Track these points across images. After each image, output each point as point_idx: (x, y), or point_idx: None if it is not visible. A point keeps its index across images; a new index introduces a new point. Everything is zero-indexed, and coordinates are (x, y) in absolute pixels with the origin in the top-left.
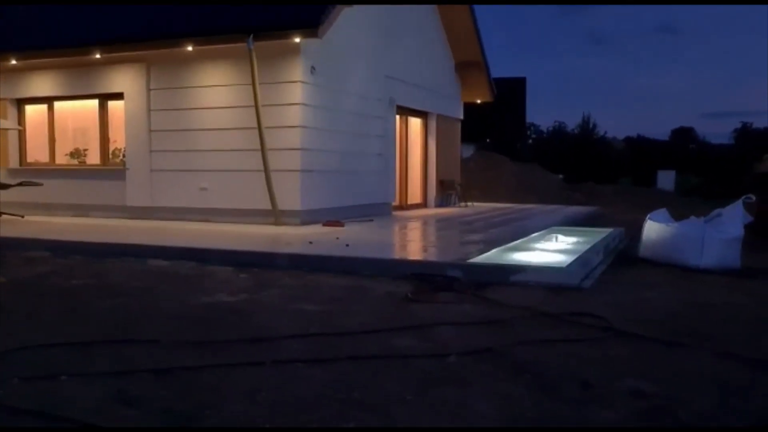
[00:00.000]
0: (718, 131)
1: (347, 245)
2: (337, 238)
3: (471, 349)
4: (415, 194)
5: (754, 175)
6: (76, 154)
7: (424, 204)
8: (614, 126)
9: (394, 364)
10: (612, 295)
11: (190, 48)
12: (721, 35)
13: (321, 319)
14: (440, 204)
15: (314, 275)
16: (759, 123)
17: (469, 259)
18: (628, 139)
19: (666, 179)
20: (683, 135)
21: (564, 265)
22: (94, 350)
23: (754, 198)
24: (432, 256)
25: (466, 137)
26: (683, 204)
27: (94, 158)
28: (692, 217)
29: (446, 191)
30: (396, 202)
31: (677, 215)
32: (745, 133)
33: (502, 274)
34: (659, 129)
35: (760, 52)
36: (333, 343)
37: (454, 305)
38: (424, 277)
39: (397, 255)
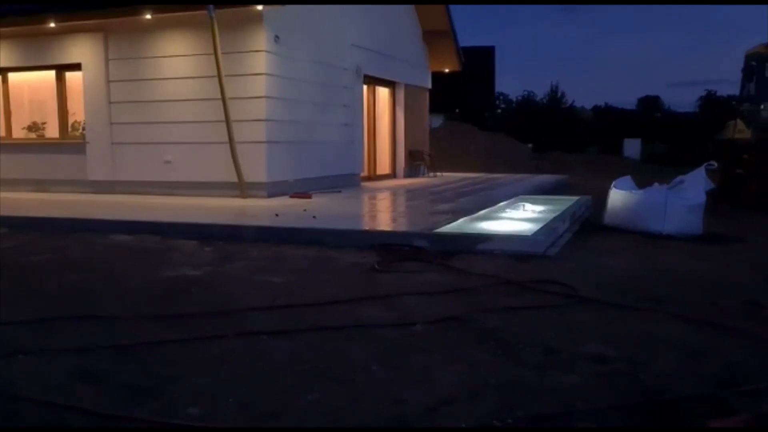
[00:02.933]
0: (683, 100)
1: (314, 217)
2: (304, 210)
3: (436, 318)
4: (383, 165)
5: (717, 141)
6: (33, 127)
7: (392, 175)
8: (582, 95)
9: (360, 334)
10: (576, 263)
11: (149, 16)
12: (687, 4)
13: (287, 291)
14: (409, 174)
15: (280, 247)
16: (723, 91)
17: (435, 228)
18: (596, 108)
19: (632, 147)
20: (649, 104)
21: (530, 233)
22: (54, 327)
23: (716, 165)
24: (399, 226)
25: (435, 107)
26: (649, 171)
27: (52, 132)
28: (656, 184)
29: (415, 162)
30: (364, 173)
31: (643, 183)
32: (709, 101)
33: (468, 244)
34: (626, 98)
35: (725, 21)
36: (299, 315)
37: (420, 275)
38: (390, 248)
39: (364, 226)
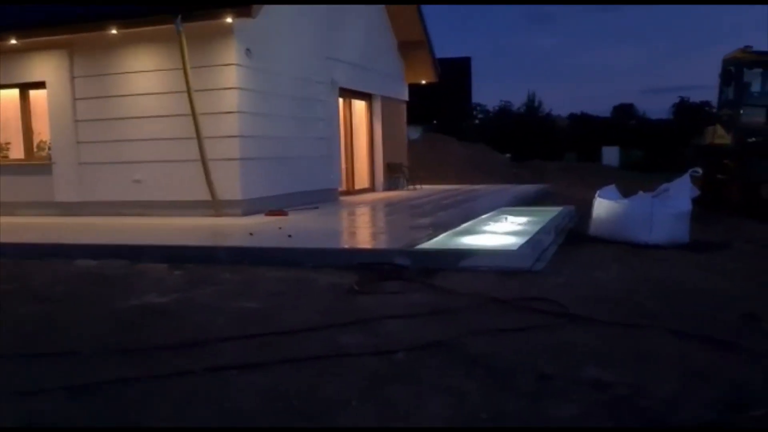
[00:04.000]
0: (657, 106)
1: (289, 236)
2: (280, 228)
3: (420, 343)
4: (362, 179)
5: (697, 147)
6: None
7: (371, 188)
8: (559, 104)
9: (339, 365)
10: (565, 277)
11: (114, 31)
12: (656, 12)
13: (261, 318)
14: (388, 188)
15: (255, 269)
16: (695, 97)
17: (417, 245)
18: (572, 116)
19: (611, 155)
20: (624, 111)
21: (515, 247)
22: (3, 366)
23: (700, 171)
24: (379, 243)
25: (413, 119)
26: (627, 178)
27: (17, 152)
28: (640, 193)
29: (394, 174)
30: (343, 188)
31: (623, 189)
32: (682, 107)
33: (451, 260)
34: (601, 106)
35: (694, 28)
36: (273, 344)
37: (402, 295)
38: (370, 267)
39: (342, 244)
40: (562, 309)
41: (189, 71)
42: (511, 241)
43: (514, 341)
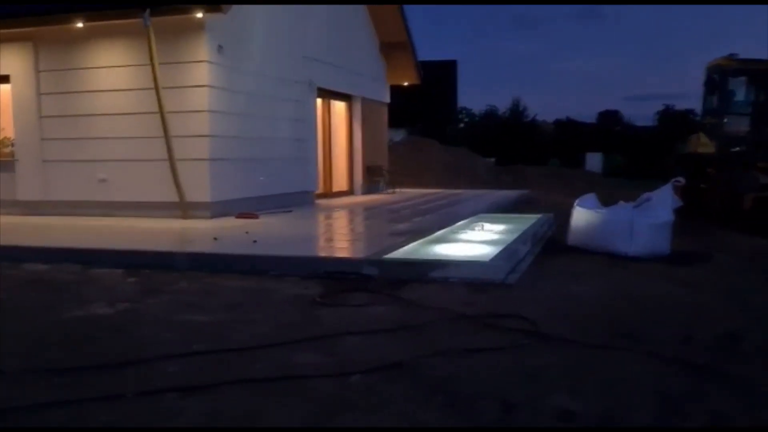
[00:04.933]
0: (642, 113)
1: (255, 241)
2: (247, 233)
3: (380, 364)
4: (340, 181)
5: (680, 155)
6: None
7: (350, 191)
8: (544, 109)
9: (288, 388)
10: (540, 291)
11: (80, 25)
12: (642, 20)
13: (211, 333)
14: (367, 191)
15: (215, 277)
16: (680, 105)
17: (386, 254)
18: (558, 122)
19: (594, 161)
20: (609, 118)
21: (488, 258)
22: None
23: (683, 180)
24: (347, 251)
25: (398, 121)
26: (610, 184)
27: None
28: (621, 202)
29: (373, 177)
30: (320, 190)
31: (604, 196)
32: (667, 114)
33: (421, 271)
34: (587, 112)
35: (680, 36)
36: (219, 363)
37: (366, 309)
38: (336, 276)
39: (309, 250)
40: (534, 327)
41: (157, 67)
42: (485, 251)
43: (479, 363)
